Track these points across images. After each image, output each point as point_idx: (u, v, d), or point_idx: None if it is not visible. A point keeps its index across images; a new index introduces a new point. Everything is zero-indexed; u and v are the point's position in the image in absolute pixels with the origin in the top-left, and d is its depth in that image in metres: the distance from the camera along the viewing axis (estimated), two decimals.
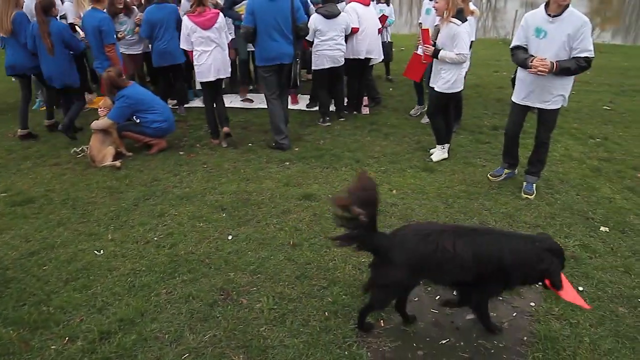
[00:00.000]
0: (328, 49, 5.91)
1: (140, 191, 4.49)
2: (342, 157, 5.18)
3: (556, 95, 4.01)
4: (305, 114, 6.76)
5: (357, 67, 6.32)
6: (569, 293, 2.52)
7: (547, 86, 3.97)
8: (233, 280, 3.24)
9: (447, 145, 5.12)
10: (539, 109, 4.18)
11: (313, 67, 6.11)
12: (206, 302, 3.02)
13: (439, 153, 5.09)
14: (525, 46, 4.04)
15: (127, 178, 4.77)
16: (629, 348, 2.67)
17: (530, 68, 3.85)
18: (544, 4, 3.92)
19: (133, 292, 3.12)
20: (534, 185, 4.40)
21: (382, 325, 2.86)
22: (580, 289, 3.14)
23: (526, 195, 4.34)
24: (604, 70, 9.78)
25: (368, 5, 6.29)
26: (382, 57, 6.65)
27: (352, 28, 5.99)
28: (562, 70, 3.80)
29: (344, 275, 3.27)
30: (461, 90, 4.94)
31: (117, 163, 5.01)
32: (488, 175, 4.73)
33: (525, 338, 2.78)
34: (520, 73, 4.17)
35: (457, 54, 4.49)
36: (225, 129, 5.58)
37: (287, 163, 5.09)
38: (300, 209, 4.14)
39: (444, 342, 2.76)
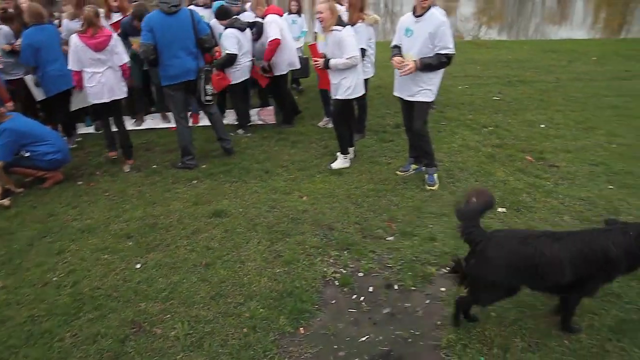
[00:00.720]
0: (247, 61, 5.99)
1: (35, 229, 4.14)
2: (251, 170, 5.13)
3: (424, 88, 4.32)
4: (210, 129, 6.61)
5: (285, 80, 6.46)
6: None
7: (414, 79, 4.30)
8: (145, 310, 3.08)
9: (352, 150, 5.22)
10: (409, 101, 4.43)
11: (235, 81, 6.00)
12: (116, 338, 2.85)
13: (339, 162, 5.12)
14: (400, 45, 4.31)
15: (18, 217, 4.38)
16: (530, 316, 2.88)
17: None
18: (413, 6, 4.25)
19: (32, 341, 2.86)
20: (435, 175, 4.63)
21: (302, 332, 2.85)
22: None
23: (430, 187, 4.55)
24: (492, 64, 10.56)
25: (282, 16, 6.35)
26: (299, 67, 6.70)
27: (273, 40, 5.92)
28: (425, 66, 4.15)
29: (260, 288, 3.23)
30: (364, 97, 5.09)
31: (6, 202, 4.58)
32: (397, 171, 4.90)
33: (439, 322, 2.90)
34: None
35: (347, 59, 4.60)
36: (130, 161, 5.39)
37: (195, 181, 4.95)
38: (210, 227, 4.03)
39: (363, 339, 2.80)
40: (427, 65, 4.17)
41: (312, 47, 5.13)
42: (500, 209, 4.14)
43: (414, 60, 4.14)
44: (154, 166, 5.40)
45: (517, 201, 4.28)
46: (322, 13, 4.54)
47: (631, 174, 4.82)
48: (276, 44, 5.92)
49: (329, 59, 4.66)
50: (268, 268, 3.43)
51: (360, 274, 3.35)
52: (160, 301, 3.15)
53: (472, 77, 9.21)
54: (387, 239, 3.79)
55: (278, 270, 3.39)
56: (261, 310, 3.01)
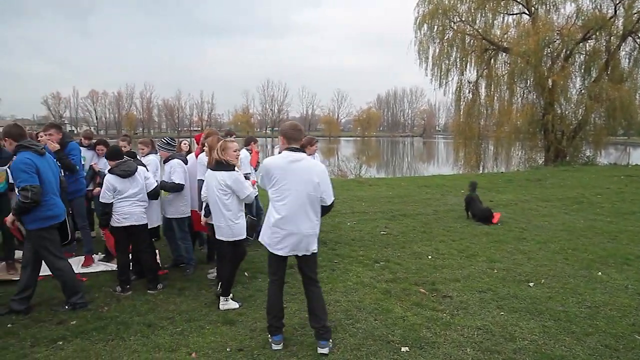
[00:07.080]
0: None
1: None
2: (131, 324, 4.45)
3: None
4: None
5: None
6: None
7: None
8: None
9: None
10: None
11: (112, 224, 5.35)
12: None
13: (231, 303, 4.94)
14: None
15: None
16: None
17: None
18: None
19: None
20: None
21: None
22: None
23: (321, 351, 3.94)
24: (376, 201, 11.24)
25: None
26: None
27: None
28: None
29: None
30: None
31: None
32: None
33: None
34: None
35: None
36: None
37: (61, 342, 4.14)
38: None
39: None
40: None
41: None
42: (403, 348, 3.97)
43: None
44: (9, 325, 4.49)
45: (418, 338, 4.16)
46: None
47: (516, 298, 5.05)
48: None
49: None
50: None
51: None
52: None
53: (359, 213, 9.64)
54: None
55: None
56: None
